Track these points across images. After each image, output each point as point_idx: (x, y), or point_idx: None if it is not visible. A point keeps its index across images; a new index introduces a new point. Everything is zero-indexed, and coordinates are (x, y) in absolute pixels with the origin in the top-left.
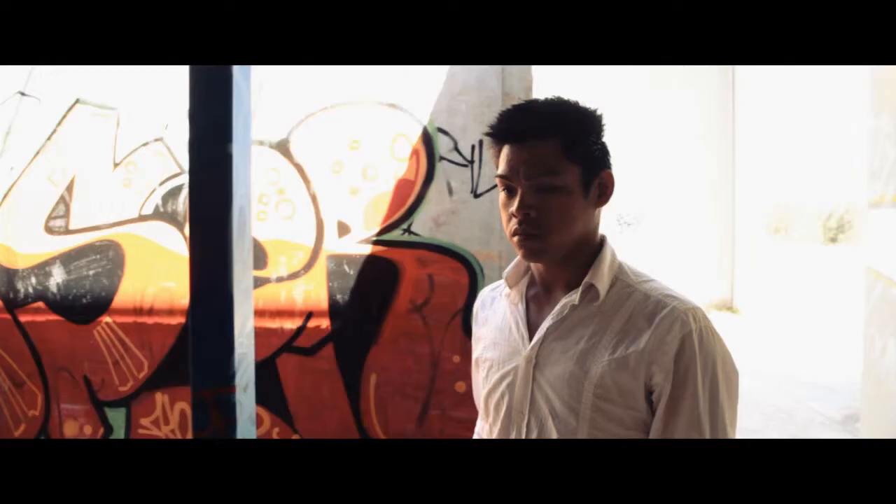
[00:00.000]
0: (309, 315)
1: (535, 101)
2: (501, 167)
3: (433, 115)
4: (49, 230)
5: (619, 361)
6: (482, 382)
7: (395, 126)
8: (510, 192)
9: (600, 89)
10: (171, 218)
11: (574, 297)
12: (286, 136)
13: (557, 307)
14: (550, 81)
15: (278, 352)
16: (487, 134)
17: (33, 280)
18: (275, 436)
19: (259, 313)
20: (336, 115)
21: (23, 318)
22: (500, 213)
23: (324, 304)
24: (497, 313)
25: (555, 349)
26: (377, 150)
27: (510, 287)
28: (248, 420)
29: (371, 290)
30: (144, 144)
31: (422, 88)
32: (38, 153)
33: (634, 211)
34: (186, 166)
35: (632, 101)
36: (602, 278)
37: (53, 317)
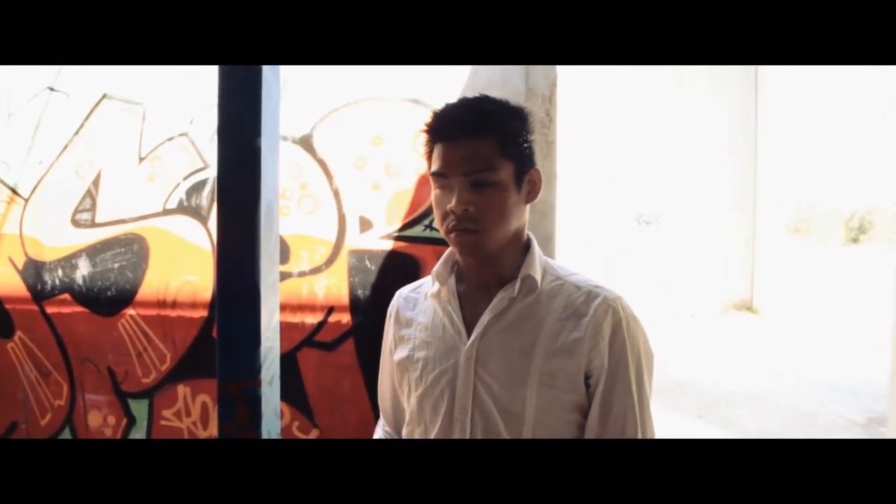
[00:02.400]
0: (330, 310)
1: (468, 100)
2: (437, 164)
3: None
4: (76, 223)
5: (563, 349)
6: (414, 384)
7: (418, 122)
8: (445, 189)
9: (623, 88)
10: (194, 212)
11: (512, 290)
12: (309, 132)
13: (496, 301)
14: (575, 77)
15: (299, 346)
16: (423, 132)
17: (60, 272)
18: (295, 429)
19: (281, 308)
20: (359, 110)
21: (49, 310)
22: (434, 210)
23: (345, 299)
24: (424, 313)
25: (496, 342)
26: (400, 145)
27: (441, 284)
28: (273, 414)
29: (392, 285)
30: (169, 139)
31: (445, 84)
32: (65, 147)
33: (653, 210)
34: (211, 161)
35: (654, 100)
36: (537, 271)
37: (79, 308)
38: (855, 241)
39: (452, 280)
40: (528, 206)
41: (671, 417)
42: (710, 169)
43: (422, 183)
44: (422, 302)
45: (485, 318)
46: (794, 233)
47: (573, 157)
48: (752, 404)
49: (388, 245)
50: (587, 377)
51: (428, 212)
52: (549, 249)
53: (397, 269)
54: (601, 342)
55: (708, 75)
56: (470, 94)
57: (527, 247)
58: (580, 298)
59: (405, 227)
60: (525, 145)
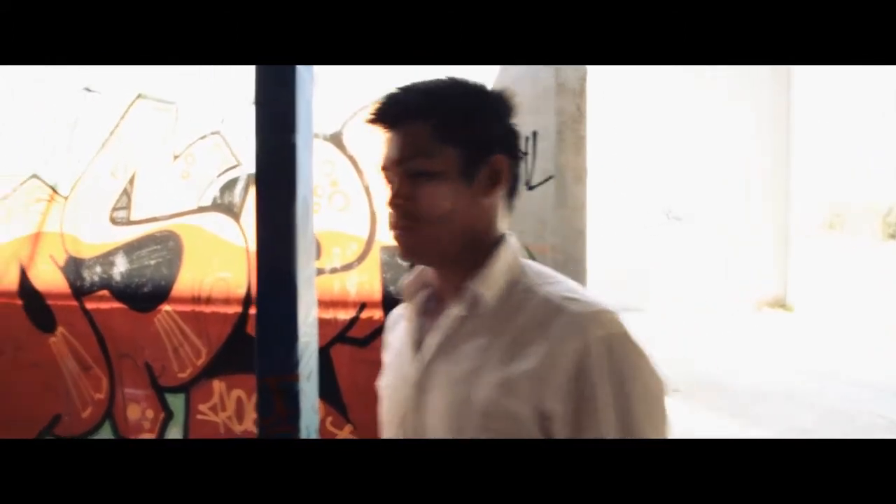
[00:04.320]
0: (362, 306)
1: (414, 84)
2: (381, 158)
3: None
4: (113, 221)
5: (506, 384)
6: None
7: None
8: (390, 185)
9: (654, 83)
10: (227, 209)
11: (462, 306)
12: (340, 129)
13: (444, 319)
14: (606, 72)
15: (332, 342)
16: (367, 121)
17: (98, 269)
18: (328, 425)
19: None
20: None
21: (89, 306)
22: None
23: (377, 295)
24: (398, 334)
25: (440, 370)
26: None
27: (406, 300)
28: (311, 409)
29: None
30: (202, 137)
31: (473, 80)
32: (102, 146)
33: (684, 206)
34: (243, 158)
35: (685, 96)
36: (491, 282)
37: (117, 304)
38: (893, 236)
39: (423, 295)
40: (493, 201)
41: (703, 416)
42: (741, 165)
43: None
44: (402, 321)
45: (432, 341)
46: (829, 229)
47: (604, 153)
48: (786, 403)
49: None
50: (544, 420)
51: None
52: (578, 246)
53: None
54: (558, 376)
55: (739, 71)
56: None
57: (493, 250)
58: (544, 315)
59: None
60: (481, 128)
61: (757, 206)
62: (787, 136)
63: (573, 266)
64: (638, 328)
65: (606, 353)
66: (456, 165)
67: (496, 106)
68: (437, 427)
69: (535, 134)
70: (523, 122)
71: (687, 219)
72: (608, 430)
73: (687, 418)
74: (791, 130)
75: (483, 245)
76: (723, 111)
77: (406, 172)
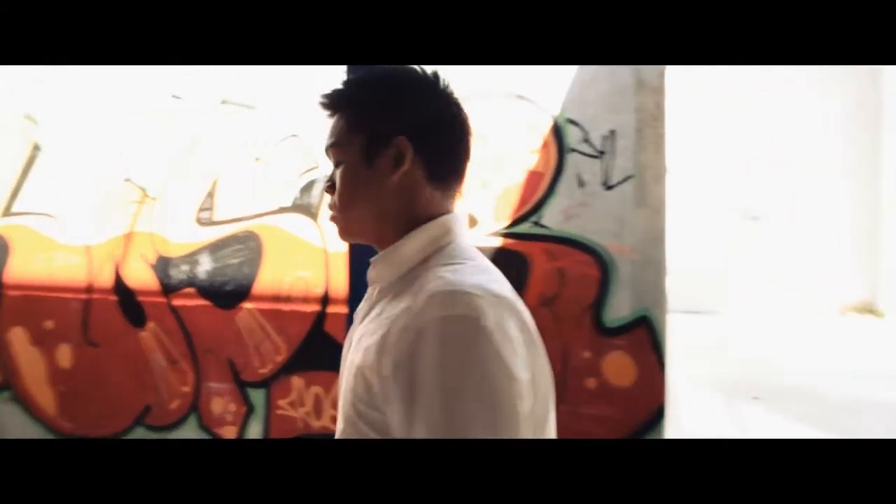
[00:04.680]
0: None
1: (346, 79)
2: None
3: (563, 106)
4: (198, 221)
5: (367, 351)
6: None
7: (524, 118)
8: None
9: (736, 82)
10: (306, 210)
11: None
12: None
13: (369, 295)
14: (685, 69)
15: None
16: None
17: (185, 267)
18: None
19: None
20: (465, 107)
21: (175, 303)
22: None
23: None
24: None
25: (353, 341)
26: (506, 142)
27: (370, 284)
28: None
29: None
30: (282, 140)
31: (551, 78)
32: (188, 149)
33: (764, 205)
34: (321, 161)
35: (766, 91)
36: (390, 262)
37: (202, 302)
38: None
39: None
40: (413, 183)
41: (789, 426)
42: (826, 162)
43: (529, 179)
44: None
45: (357, 315)
46: None
47: (682, 151)
48: (880, 413)
49: (496, 242)
50: (385, 380)
51: (535, 208)
52: (658, 247)
53: (505, 266)
54: (396, 346)
55: (821, 72)
56: (577, 88)
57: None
58: (415, 291)
59: (513, 223)
60: (383, 114)
61: (843, 205)
62: (877, 133)
63: (652, 267)
64: (714, 331)
65: (440, 332)
66: (359, 152)
67: (405, 92)
68: (342, 392)
69: (612, 132)
70: (601, 121)
71: (766, 218)
72: (432, 410)
73: (770, 428)
74: (881, 127)
75: (407, 225)
76: (807, 106)
77: (330, 160)
